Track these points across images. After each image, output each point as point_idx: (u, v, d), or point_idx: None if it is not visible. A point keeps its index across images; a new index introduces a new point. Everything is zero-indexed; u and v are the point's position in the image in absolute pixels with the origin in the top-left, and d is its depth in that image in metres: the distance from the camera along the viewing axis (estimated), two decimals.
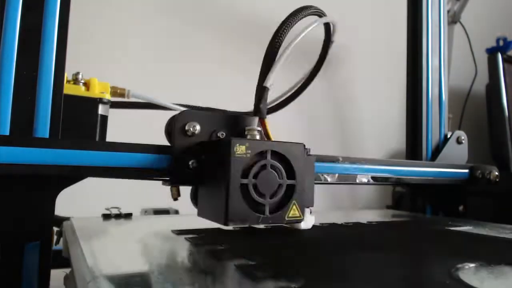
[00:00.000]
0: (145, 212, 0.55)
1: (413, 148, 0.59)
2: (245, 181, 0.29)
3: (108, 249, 0.31)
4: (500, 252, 0.33)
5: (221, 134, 0.35)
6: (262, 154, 0.30)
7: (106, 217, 0.46)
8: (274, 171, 0.31)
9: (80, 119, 0.41)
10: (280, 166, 0.31)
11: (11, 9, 0.31)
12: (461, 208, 0.57)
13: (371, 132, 1.08)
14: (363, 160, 0.45)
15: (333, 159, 0.43)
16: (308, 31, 0.40)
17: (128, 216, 0.47)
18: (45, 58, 0.32)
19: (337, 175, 0.43)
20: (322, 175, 0.42)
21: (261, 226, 0.37)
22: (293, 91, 0.56)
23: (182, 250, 0.30)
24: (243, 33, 0.94)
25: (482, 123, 1.17)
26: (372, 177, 0.46)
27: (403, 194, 0.90)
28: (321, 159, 0.42)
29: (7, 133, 0.30)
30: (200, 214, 0.34)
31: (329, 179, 0.43)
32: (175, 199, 0.35)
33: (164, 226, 0.42)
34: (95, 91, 0.42)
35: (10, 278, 0.29)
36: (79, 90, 0.41)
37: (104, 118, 0.42)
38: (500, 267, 0.26)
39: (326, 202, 0.98)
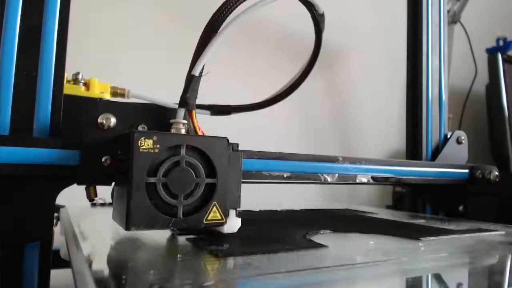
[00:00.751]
0: None
1: (413, 148, 0.59)
2: (152, 179, 0.26)
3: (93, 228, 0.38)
4: (369, 227, 0.41)
5: (142, 128, 0.32)
6: (175, 149, 0.27)
7: (93, 205, 0.54)
8: (190, 169, 0.27)
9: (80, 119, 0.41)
10: (197, 163, 0.28)
11: (11, 9, 0.31)
12: (461, 208, 0.57)
13: (371, 132, 1.08)
14: (363, 160, 0.45)
15: (333, 159, 0.43)
16: (254, 11, 0.34)
17: (110, 204, 0.51)
18: (45, 58, 0.32)
19: (337, 175, 0.43)
20: (322, 175, 0.42)
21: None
22: (288, 85, 0.55)
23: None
24: (243, 32, 0.94)
25: (482, 123, 1.17)
26: (372, 177, 0.46)
27: (403, 194, 0.90)
28: (321, 158, 0.42)
29: (7, 133, 0.30)
30: (113, 217, 0.30)
31: (329, 179, 0.43)
32: (91, 200, 0.33)
33: None
34: (95, 91, 0.42)
35: (10, 278, 0.29)
36: (79, 90, 0.41)
37: None
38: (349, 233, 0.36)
39: (326, 202, 0.98)
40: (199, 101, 0.53)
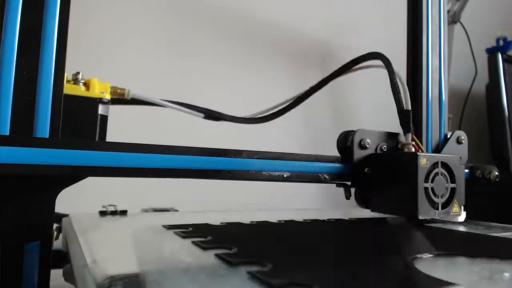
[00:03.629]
0: (145, 211, 0.56)
1: None
2: (426, 185, 0.40)
3: (102, 242, 0.33)
4: (461, 244, 0.34)
5: (384, 147, 0.45)
6: (434, 164, 0.41)
7: (103, 213, 0.48)
8: (443, 177, 0.41)
9: (80, 119, 0.41)
10: (446, 173, 0.41)
11: (11, 9, 0.31)
12: None
13: None
14: None
15: (333, 159, 0.44)
16: None
17: (123, 213, 0.49)
18: (45, 58, 0.32)
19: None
20: (322, 175, 0.42)
21: (248, 222, 0.41)
22: (297, 97, 0.57)
23: (170, 241, 0.31)
24: (243, 32, 0.94)
25: (482, 123, 1.17)
26: None
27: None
28: (323, 159, 0.43)
29: (7, 133, 0.30)
30: (374, 210, 0.44)
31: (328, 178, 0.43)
32: (348, 198, 0.45)
33: (157, 221, 0.42)
34: (95, 91, 0.42)
35: (10, 278, 0.29)
36: (79, 90, 0.41)
37: (104, 118, 0.42)
38: (456, 257, 0.27)
39: (330, 201, 0.98)
40: (198, 103, 0.53)
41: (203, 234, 0.32)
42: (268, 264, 0.22)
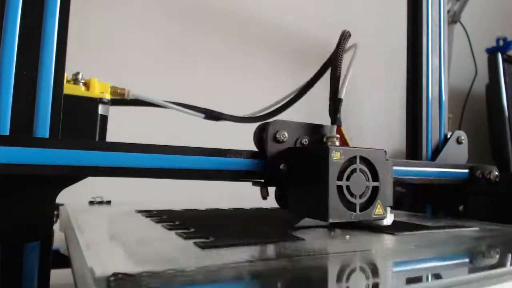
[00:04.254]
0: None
1: (413, 148, 0.59)
2: (340, 183, 0.33)
3: (90, 223, 0.41)
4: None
5: (304, 141, 0.39)
6: (352, 160, 0.34)
7: (91, 203, 0.58)
8: (362, 174, 0.35)
9: (80, 119, 0.41)
10: (367, 169, 0.35)
11: (11, 9, 0.31)
12: (461, 208, 0.57)
13: (371, 132, 1.08)
14: None
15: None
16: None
17: (108, 202, 0.59)
18: (45, 58, 0.32)
19: None
20: None
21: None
22: (293, 95, 0.56)
23: (138, 221, 0.41)
24: (243, 32, 0.94)
25: (482, 123, 1.17)
26: None
27: (403, 194, 0.90)
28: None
29: (7, 133, 0.30)
30: (292, 211, 0.38)
31: None
32: (265, 198, 0.40)
33: (132, 208, 0.51)
34: (95, 91, 0.42)
35: (10, 278, 0.29)
36: (79, 90, 0.41)
37: (104, 118, 0.42)
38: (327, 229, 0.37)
39: None
40: (197, 103, 0.53)
41: (163, 216, 0.42)
42: (191, 229, 0.33)
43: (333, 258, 0.27)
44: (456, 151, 0.58)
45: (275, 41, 0.97)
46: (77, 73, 0.41)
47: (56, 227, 0.43)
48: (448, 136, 0.59)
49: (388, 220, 0.38)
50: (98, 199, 0.59)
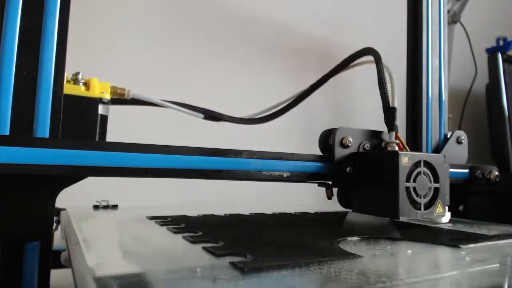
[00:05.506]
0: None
1: (413, 148, 0.59)
2: (408, 184, 0.37)
3: (97, 233, 0.37)
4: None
5: (366, 146, 0.43)
6: (417, 163, 0.38)
7: (96, 208, 0.54)
8: (425, 177, 0.39)
9: (80, 119, 0.41)
10: (429, 172, 0.39)
11: (11, 9, 0.31)
12: (461, 208, 0.57)
13: None
14: None
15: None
16: None
17: (114, 207, 0.55)
18: (45, 58, 0.32)
19: None
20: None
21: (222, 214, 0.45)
22: (294, 98, 0.57)
23: (151, 228, 0.37)
24: (243, 32, 0.94)
25: (482, 123, 1.17)
26: None
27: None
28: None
29: (7, 133, 0.30)
30: (356, 210, 0.42)
31: None
32: (330, 198, 0.43)
33: (143, 214, 0.47)
34: (95, 91, 0.42)
35: (10, 278, 0.29)
36: (79, 90, 0.41)
37: (104, 118, 0.42)
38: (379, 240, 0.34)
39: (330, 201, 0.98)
40: (196, 103, 0.53)
41: (181, 224, 0.38)
42: (220, 242, 0.28)
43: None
44: (456, 151, 0.58)
45: (275, 41, 0.97)
46: (77, 73, 0.41)
47: (56, 234, 0.41)
48: (448, 136, 0.59)
49: (446, 218, 0.42)
50: (104, 203, 0.55)
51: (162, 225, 0.38)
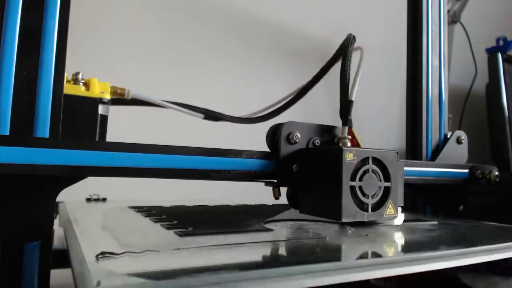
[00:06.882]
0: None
1: (413, 148, 0.59)
2: (353, 183, 0.34)
3: (87, 217, 0.44)
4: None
5: (316, 142, 0.40)
6: (364, 160, 0.35)
7: (88, 200, 0.62)
8: (374, 175, 0.36)
9: (80, 119, 0.41)
10: (378, 170, 0.36)
11: (11, 9, 0.31)
12: (461, 208, 0.57)
13: (371, 132, 1.08)
14: None
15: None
16: None
17: (104, 200, 0.63)
18: (45, 58, 0.32)
19: None
20: None
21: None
22: (293, 95, 0.56)
23: (129, 215, 0.44)
24: (243, 32, 0.94)
25: (482, 123, 1.17)
26: None
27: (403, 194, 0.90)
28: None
29: (7, 133, 0.30)
30: (304, 211, 0.39)
31: None
32: (277, 198, 0.40)
33: (125, 205, 0.54)
34: (95, 91, 0.42)
35: (10, 278, 0.29)
36: (79, 90, 0.41)
37: (104, 118, 0.42)
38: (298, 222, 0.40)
39: None
40: (196, 103, 0.53)
41: (152, 211, 0.46)
42: (175, 221, 0.36)
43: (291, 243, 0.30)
44: (456, 151, 0.58)
45: (275, 41, 0.97)
46: (77, 73, 0.41)
47: (56, 222, 0.43)
48: (448, 136, 0.59)
49: (399, 220, 0.38)
50: (95, 197, 0.62)
51: (137, 212, 0.46)
